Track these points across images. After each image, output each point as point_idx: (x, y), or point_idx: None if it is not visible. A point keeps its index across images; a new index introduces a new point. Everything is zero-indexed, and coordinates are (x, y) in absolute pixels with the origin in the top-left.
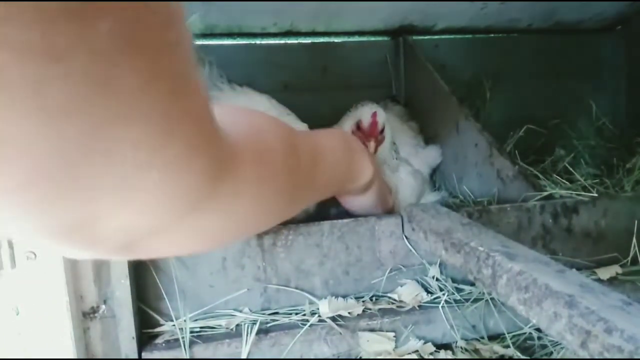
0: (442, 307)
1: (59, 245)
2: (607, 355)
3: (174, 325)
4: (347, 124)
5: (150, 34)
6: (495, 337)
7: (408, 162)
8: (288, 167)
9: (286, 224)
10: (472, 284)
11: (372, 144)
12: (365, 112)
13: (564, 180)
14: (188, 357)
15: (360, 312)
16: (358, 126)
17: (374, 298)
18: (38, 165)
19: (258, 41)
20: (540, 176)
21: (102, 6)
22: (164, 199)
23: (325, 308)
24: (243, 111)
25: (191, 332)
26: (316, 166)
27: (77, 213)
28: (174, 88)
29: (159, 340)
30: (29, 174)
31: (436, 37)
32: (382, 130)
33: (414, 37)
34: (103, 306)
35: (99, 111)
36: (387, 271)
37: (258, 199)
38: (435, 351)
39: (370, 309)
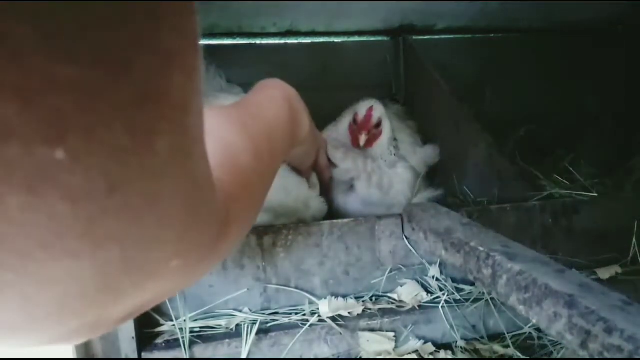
0: (442, 307)
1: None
2: (607, 355)
3: (174, 325)
4: (347, 119)
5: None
6: (495, 337)
7: (406, 159)
8: (260, 177)
9: (286, 224)
10: (472, 284)
11: (363, 137)
12: (362, 106)
13: (564, 180)
14: (188, 357)
15: (360, 312)
16: (354, 119)
17: (374, 298)
18: (66, 292)
19: (258, 41)
20: (540, 176)
21: (159, 124)
22: (175, 278)
23: (325, 308)
24: (220, 140)
25: (191, 332)
26: (273, 155)
27: (100, 316)
28: (195, 154)
29: (159, 340)
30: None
31: (436, 37)
32: (378, 125)
33: (414, 37)
34: None
35: (143, 232)
36: (387, 271)
37: (244, 229)
38: (435, 351)
39: (370, 309)
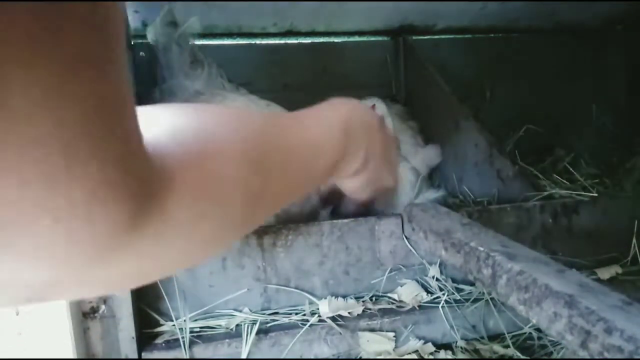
0: (442, 307)
1: None
2: (607, 355)
3: (173, 325)
4: None
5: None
6: (495, 337)
7: (407, 160)
8: (244, 194)
9: (286, 223)
10: (472, 284)
11: None
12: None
13: (564, 180)
14: (188, 357)
15: (360, 312)
16: None
17: (373, 298)
18: None
19: (258, 41)
20: (540, 176)
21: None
22: (59, 251)
23: (325, 308)
24: (197, 121)
25: (191, 332)
26: (286, 172)
27: None
28: (91, 102)
29: (158, 341)
30: None
31: (436, 37)
32: None
33: (414, 37)
34: (103, 306)
35: None
36: (387, 271)
37: (193, 239)
38: (435, 351)
39: (370, 309)
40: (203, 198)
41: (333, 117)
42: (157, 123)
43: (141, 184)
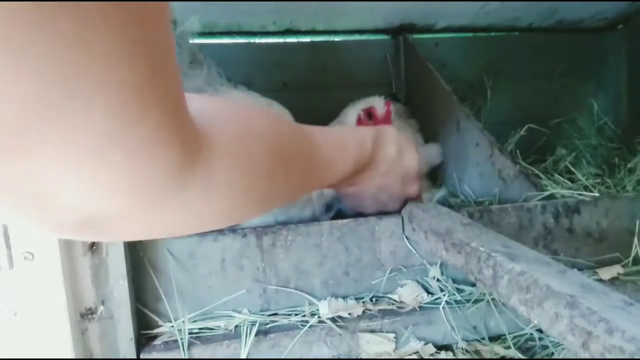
0: (442, 308)
1: (17, 217)
2: (608, 356)
3: (172, 326)
4: (352, 115)
5: None
6: (496, 338)
7: None
8: (270, 179)
9: (286, 224)
10: (473, 285)
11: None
12: (377, 101)
13: (565, 180)
14: (187, 358)
15: (360, 313)
16: (369, 115)
17: (374, 299)
18: None
19: (257, 40)
20: (542, 176)
21: None
22: (124, 186)
23: (325, 309)
24: (237, 110)
25: (190, 333)
26: (307, 177)
27: (26, 181)
28: (154, 57)
29: (157, 342)
30: None
31: (437, 35)
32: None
33: (415, 36)
34: (101, 307)
35: (70, 65)
36: (388, 272)
37: (229, 200)
38: (436, 352)
39: (370, 310)
40: (238, 167)
41: (350, 146)
42: (198, 100)
43: (189, 136)
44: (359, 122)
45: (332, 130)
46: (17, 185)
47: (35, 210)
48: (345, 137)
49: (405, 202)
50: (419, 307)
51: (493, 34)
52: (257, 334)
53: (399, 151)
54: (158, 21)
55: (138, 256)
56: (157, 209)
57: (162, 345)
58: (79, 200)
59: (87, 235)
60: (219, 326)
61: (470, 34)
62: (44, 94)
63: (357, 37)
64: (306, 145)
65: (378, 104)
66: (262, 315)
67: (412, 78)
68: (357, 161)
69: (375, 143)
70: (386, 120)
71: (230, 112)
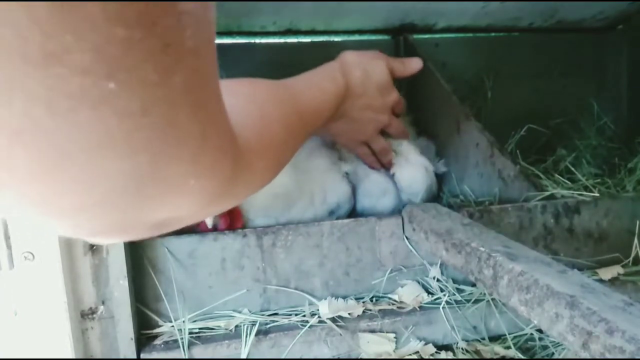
0: (442, 308)
1: (96, 238)
2: (608, 356)
3: (172, 326)
4: None
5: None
6: (496, 338)
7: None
8: (286, 146)
9: (286, 224)
10: (473, 285)
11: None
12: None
13: (565, 180)
14: (187, 358)
15: (360, 313)
16: None
17: (374, 299)
18: (113, 187)
19: (257, 40)
20: (542, 176)
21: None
22: (195, 199)
23: (325, 309)
24: (251, 94)
25: (190, 333)
26: (305, 128)
27: (134, 216)
28: (207, 90)
29: (157, 342)
30: (105, 193)
31: (437, 35)
32: None
33: (415, 36)
34: (101, 307)
35: (165, 147)
36: (388, 272)
37: (266, 176)
38: (436, 352)
39: (370, 310)
40: (268, 152)
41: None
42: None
43: (234, 146)
44: None
45: (307, 78)
46: (120, 222)
47: (124, 233)
48: (319, 79)
49: (392, 110)
50: (419, 307)
51: (493, 34)
52: (257, 333)
53: (365, 69)
54: (209, 44)
55: (138, 256)
56: (216, 204)
57: (162, 345)
58: (162, 216)
59: (157, 232)
60: (219, 326)
61: (470, 34)
62: (151, 164)
63: (357, 37)
64: (299, 103)
65: None
66: (262, 315)
67: (412, 78)
68: (337, 95)
69: (343, 72)
70: None
71: (249, 102)
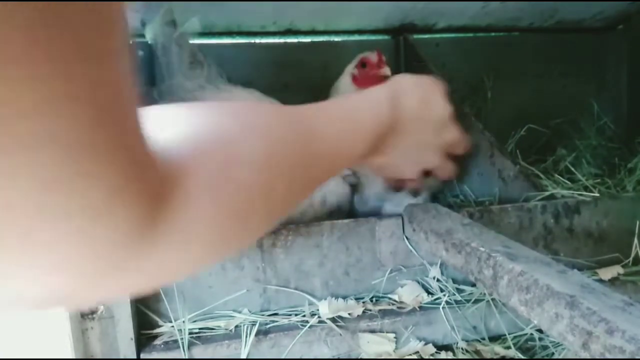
0: (442, 308)
1: None
2: (608, 356)
3: (172, 326)
4: (345, 79)
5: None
6: (496, 338)
7: None
8: (267, 200)
9: (286, 224)
10: (473, 285)
11: (386, 69)
12: (366, 54)
13: (565, 180)
14: (187, 358)
15: (360, 313)
16: (363, 64)
17: (374, 299)
18: None
19: (257, 40)
20: (542, 176)
21: None
22: (80, 256)
23: (325, 309)
24: (217, 123)
25: (190, 333)
26: (314, 174)
27: None
28: (103, 106)
29: (157, 342)
30: None
31: (437, 35)
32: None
33: (415, 36)
34: (102, 307)
35: None
36: (388, 272)
37: (210, 247)
38: (436, 352)
39: (370, 310)
40: (224, 206)
41: (365, 107)
42: (174, 124)
43: (151, 189)
44: (355, 80)
45: (337, 105)
46: None
47: None
48: (354, 107)
49: (446, 152)
50: (419, 307)
51: (493, 34)
52: (257, 334)
53: (421, 101)
54: (114, 56)
55: None
56: (120, 274)
57: (162, 345)
58: (34, 284)
59: (48, 307)
60: (219, 326)
61: (470, 34)
62: None
63: (357, 37)
64: (312, 140)
65: (369, 53)
66: (262, 315)
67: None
68: (376, 129)
69: (393, 102)
70: (379, 64)
71: (212, 132)
